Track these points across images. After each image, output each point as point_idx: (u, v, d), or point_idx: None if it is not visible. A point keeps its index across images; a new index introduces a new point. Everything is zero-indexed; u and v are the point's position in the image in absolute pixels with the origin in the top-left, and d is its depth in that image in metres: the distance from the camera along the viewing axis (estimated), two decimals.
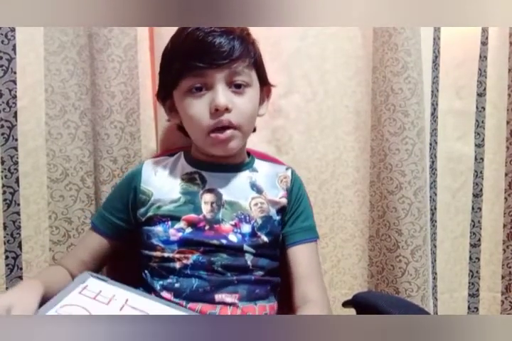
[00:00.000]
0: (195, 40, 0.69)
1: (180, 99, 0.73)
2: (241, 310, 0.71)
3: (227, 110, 0.69)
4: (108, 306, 0.54)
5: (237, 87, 0.71)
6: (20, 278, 0.89)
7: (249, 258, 0.73)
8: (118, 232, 0.78)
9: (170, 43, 0.74)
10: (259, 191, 0.77)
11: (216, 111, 0.69)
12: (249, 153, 0.83)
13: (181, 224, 0.73)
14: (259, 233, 0.74)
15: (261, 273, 0.74)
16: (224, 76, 0.69)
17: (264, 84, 0.78)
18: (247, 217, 0.74)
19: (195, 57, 0.68)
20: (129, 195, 0.77)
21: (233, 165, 0.79)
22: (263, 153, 0.93)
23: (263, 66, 0.77)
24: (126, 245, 0.79)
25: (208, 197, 0.75)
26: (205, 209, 0.74)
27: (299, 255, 0.77)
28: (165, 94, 0.77)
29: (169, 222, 0.73)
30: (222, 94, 0.69)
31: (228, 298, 0.71)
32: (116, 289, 0.58)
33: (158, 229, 0.73)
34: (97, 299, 0.55)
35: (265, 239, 0.74)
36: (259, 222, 0.75)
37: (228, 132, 0.71)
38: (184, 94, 0.72)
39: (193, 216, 0.73)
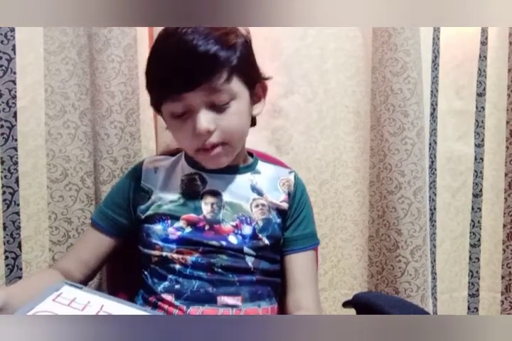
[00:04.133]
0: (165, 66, 0.65)
1: (166, 118, 0.72)
2: (244, 313, 0.71)
3: (209, 133, 0.67)
4: (83, 312, 0.53)
5: (219, 104, 0.67)
6: (20, 278, 0.89)
7: (250, 260, 0.73)
8: (119, 229, 0.77)
9: (146, 66, 0.70)
10: (259, 193, 0.77)
11: (199, 136, 0.67)
12: (252, 155, 0.83)
13: (181, 223, 0.73)
14: (260, 235, 0.74)
15: (262, 274, 0.74)
16: (202, 97, 0.65)
17: (255, 83, 0.74)
18: (248, 219, 0.74)
19: (170, 84, 0.65)
20: (130, 192, 0.77)
21: (234, 166, 0.78)
22: (267, 154, 0.93)
23: (251, 65, 0.72)
24: (126, 246, 0.79)
25: (208, 198, 0.75)
26: (205, 209, 0.74)
27: (298, 262, 0.77)
28: (155, 105, 0.74)
29: (169, 221, 0.73)
30: (202, 119, 0.66)
31: (231, 301, 0.70)
32: (92, 296, 0.57)
33: (158, 227, 0.73)
34: (71, 305, 0.54)
35: (266, 241, 0.74)
36: (260, 224, 0.74)
37: (217, 149, 0.69)
38: (167, 115, 0.70)
39: (192, 216, 0.73)
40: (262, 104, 0.76)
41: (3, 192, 0.87)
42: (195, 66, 0.64)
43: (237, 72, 0.67)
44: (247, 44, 0.71)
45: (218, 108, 0.67)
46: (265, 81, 0.75)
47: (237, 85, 0.68)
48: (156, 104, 0.72)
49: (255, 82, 0.73)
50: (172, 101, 0.67)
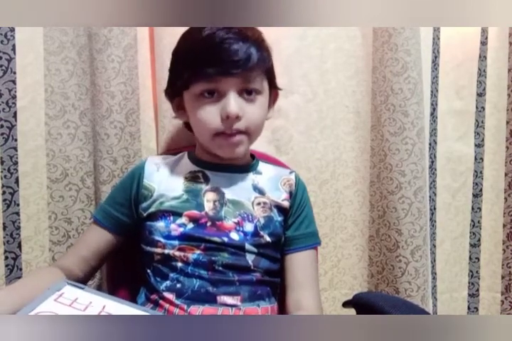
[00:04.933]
0: (210, 45, 0.68)
1: (191, 101, 0.72)
2: (243, 313, 0.71)
3: (237, 118, 0.69)
4: (84, 313, 0.53)
5: (248, 94, 0.71)
6: (20, 278, 0.89)
7: (250, 258, 0.73)
8: (120, 227, 0.77)
9: (183, 44, 0.73)
10: (261, 192, 0.77)
11: (227, 118, 0.69)
12: (253, 156, 0.83)
13: (183, 220, 0.73)
14: (261, 232, 0.74)
15: (262, 273, 0.74)
16: (237, 83, 0.69)
17: (273, 89, 0.78)
18: (250, 216, 0.74)
19: (210, 64, 0.67)
20: (132, 190, 0.76)
21: (237, 166, 0.79)
22: (267, 154, 0.93)
23: (274, 72, 0.77)
24: (127, 244, 0.79)
25: (210, 196, 0.75)
26: (208, 206, 0.74)
27: (300, 262, 0.77)
28: (174, 92, 0.76)
29: (171, 217, 0.73)
30: (234, 102, 0.68)
31: (230, 300, 0.71)
32: (93, 296, 0.57)
33: (160, 224, 0.73)
34: (73, 306, 0.54)
35: (268, 238, 0.74)
36: (262, 221, 0.75)
37: (238, 137, 0.71)
38: (195, 96, 0.71)
39: (195, 212, 0.73)
40: (272, 109, 0.80)
41: (3, 192, 0.87)
42: (241, 54, 0.68)
43: (266, 73, 0.74)
44: (271, 53, 0.76)
45: (247, 98, 0.71)
46: (278, 90, 0.80)
47: (265, 83, 0.74)
48: (184, 84, 0.71)
49: (273, 88, 0.78)
50: (206, 82, 0.69)
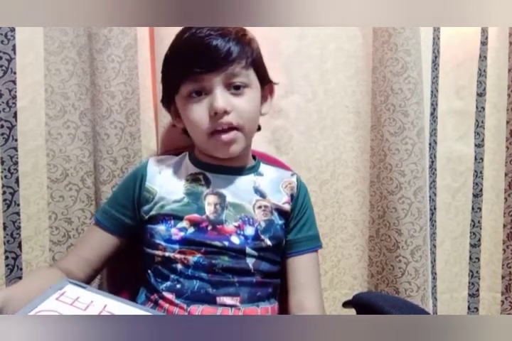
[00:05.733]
0: (191, 45, 0.69)
1: (182, 104, 0.73)
2: (243, 313, 0.71)
3: (226, 113, 0.69)
4: (85, 312, 0.53)
5: (235, 89, 0.71)
6: (20, 278, 0.89)
7: (250, 262, 0.73)
8: (123, 229, 0.77)
9: (169, 50, 0.74)
10: (262, 195, 0.77)
11: (215, 115, 0.69)
12: (255, 157, 0.83)
13: (184, 224, 0.73)
14: (262, 236, 0.74)
15: (262, 275, 0.74)
16: (221, 79, 0.70)
17: (266, 83, 0.78)
18: (251, 220, 0.74)
19: (192, 63, 0.69)
20: (135, 192, 0.76)
21: (238, 167, 0.78)
22: (269, 156, 0.93)
23: (263, 65, 0.77)
24: (128, 245, 0.79)
25: (211, 199, 0.75)
26: (209, 210, 0.74)
27: (302, 265, 0.77)
28: (168, 99, 0.78)
29: (172, 221, 0.73)
30: (220, 97, 0.69)
31: (229, 301, 0.71)
32: (95, 295, 0.57)
33: (161, 227, 0.73)
34: (74, 305, 0.54)
35: (268, 242, 0.74)
36: (263, 225, 0.75)
37: (231, 133, 0.71)
38: (185, 99, 0.72)
39: (195, 216, 0.73)
40: (269, 104, 0.80)
41: (4, 192, 0.87)
42: (221, 48, 0.69)
43: (252, 65, 0.73)
44: (258, 46, 0.76)
45: (235, 93, 0.71)
46: (273, 84, 0.80)
47: (252, 76, 0.73)
48: (173, 87, 0.73)
49: (265, 82, 0.77)
50: (192, 82, 0.70)
